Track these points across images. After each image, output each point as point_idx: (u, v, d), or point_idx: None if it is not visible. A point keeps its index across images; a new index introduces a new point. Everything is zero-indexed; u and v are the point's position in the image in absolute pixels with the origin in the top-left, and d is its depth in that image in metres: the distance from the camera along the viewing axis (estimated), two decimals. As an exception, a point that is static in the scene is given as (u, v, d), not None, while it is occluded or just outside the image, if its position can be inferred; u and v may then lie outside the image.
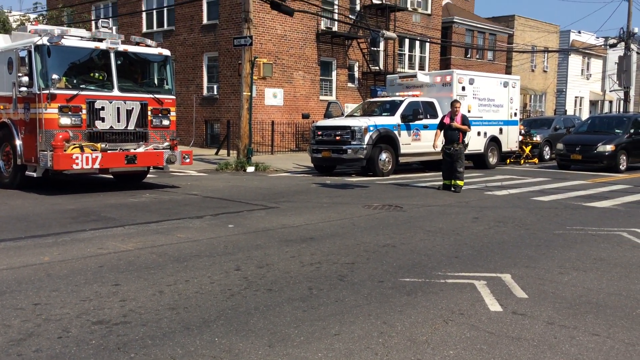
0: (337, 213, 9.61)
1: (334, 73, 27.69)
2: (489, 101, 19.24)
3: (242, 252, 6.76)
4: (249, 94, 18.27)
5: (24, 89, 11.21)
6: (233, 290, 5.32)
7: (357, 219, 9.11)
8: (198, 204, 10.62)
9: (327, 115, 18.08)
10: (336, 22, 26.96)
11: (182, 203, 10.66)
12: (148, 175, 14.12)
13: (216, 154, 22.50)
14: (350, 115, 17.72)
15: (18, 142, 11.71)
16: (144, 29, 27.69)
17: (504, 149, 20.11)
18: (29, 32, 12.14)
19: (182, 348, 4.02)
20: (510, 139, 20.39)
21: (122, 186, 13.21)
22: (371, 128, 15.89)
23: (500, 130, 19.85)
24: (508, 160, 21.37)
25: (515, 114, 20.53)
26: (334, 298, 5.13)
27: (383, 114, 17.10)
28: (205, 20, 25.87)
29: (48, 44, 11.12)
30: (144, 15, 28.18)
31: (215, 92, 25.55)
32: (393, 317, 4.67)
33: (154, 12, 27.92)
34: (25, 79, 11.14)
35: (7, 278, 5.59)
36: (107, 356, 3.87)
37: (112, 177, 13.97)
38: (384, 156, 16.14)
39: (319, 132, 16.60)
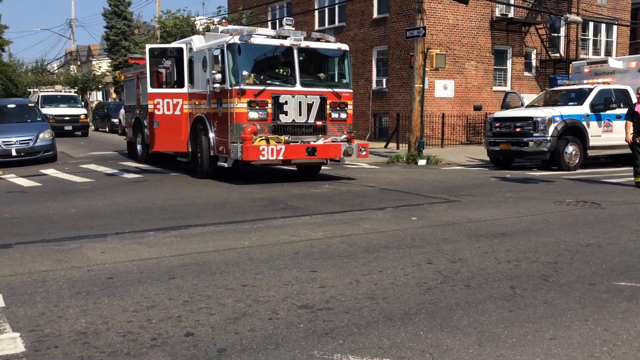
0: (526, 208, 9.05)
1: (508, 62, 26.35)
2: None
3: (431, 246, 6.60)
4: (421, 86, 17.99)
5: (217, 85, 11.99)
6: (429, 284, 5.18)
7: (549, 215, 8.49)
8: (377, 195, 10.64)
9: (505, 106, 17.20)
10: (512, 8, 25.59)
11: (361, 194, 10.76)
12: (322, 167, 14.48)
13: (385, 147, 22.53)
14: (531, 106, 16.69)
15: (211, 135, 12.62)
16: (316, 27, 28.53)
17: None
18: (220, 32, 13.01)
19: (388, 339, 3.96)
20: None
21: (301, 177, 13.71)
22: (556, 118, 14.82)
23: None
24: None
25: None
26: (541, 299, 4.77)
27: (569, 103, 15.87)
28: (375, 15, 25.99)
29: (239, 42, 11.81)
30: (316, 13, 29.04)
31: (384, 86, 25.58)
32: (614, 324, 4.21)
33: (326, 9, 28.66)
34: (219, 75, 11.91)
35: (215, 259, 5.99)
36: (316, 340, 3.94)
37: (294, 168, 14.51)
38: (570, 149, 14.97)
39: (497, 124, 15.84)
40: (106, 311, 4.47)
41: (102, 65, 58.73)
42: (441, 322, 4.28)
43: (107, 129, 32.84)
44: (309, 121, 12.32)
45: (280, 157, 11.81)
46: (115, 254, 6.25)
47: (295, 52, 12.28)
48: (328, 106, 12.54)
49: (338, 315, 4.41)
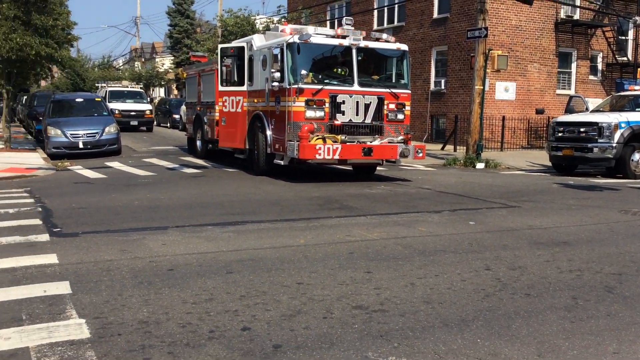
0: (590, 217, 8.75)
1: (573, 65, 25.52)
2: None
3: (489, 252, 6.47)
4: (481, 87, 17.67)
5: (275, 83, 12.08)
6: (487, 290, 5.09)
7: (614, 224, 8.19)
8: (433, 198, 10.53)
9: (569, 110, 16.68)
10: (578, 10, 24.77)
11: (416, 196, 10.66)
12: (378, 168, 14.41)
13: (442, 149, 22.24)
14: (596, 111, 16.11)
15: (268, 133, 12.75)
16: (375, 26, 28.42)
17: None
18: (280, 31, 13.14)
19: (444, 344, 3.92)
20: None
21: (356, 177, 13.70)
22: (622, 125, 14.27)
23: None
24: None
25: None
26: (605, 312, 4.61)
27: (636, 109, 15.25)
28: (435, 14, 25.67)
29: (298, 41, 11.89)
30: (375, 12, 28.94)
31: (443, 87, 25.24)
32: (684, 342, 4.03)
33: (385, 9, 28.51)
34: (277, 74, 11.99)
35: (271, 256, 6.07)
36: (371, 342, 3.94)
37: (350, 168, 14.50)
38: (637, 156, 14.40)
39: (560, 128, 15.39)
40: (167, 302, 4.60)
41: (164, 62, 60.42)
42: (499, 330, 4.20)
43: (168, 125, 33.72)
44: (365, 121, 12.24)
45: (337, 157, 11.83)
46: (176, 246, 6.42)
47: (354, 51, 12.24)
48: (385, 107, 12.41)
49: (393, 317, 4.39)
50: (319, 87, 11.85)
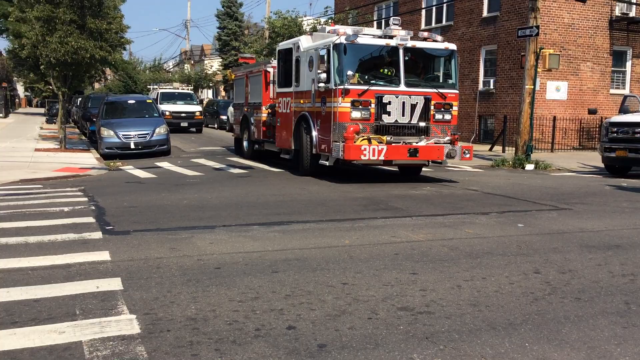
0: (644, 220, 8.46)
1: (628, 64, 24.67)
2: None
3: (539, 255, 6.33)
4: (532, 87, 17.28)
5: (322, 84, 12.12)
6: (536, 294, 4.98)
7: (671, 228, 7.90)
8: (480, 200, 10.36)
9: (623, 111, 16.12)
10: (634, 7, 23.92)
11: (463, 198, 10.52)
12: (423, 169, 14.27)
13: (490, 149, 21.86)
14: (653, 110, 15.54)
15: (314, 133, 12.80)
16: (423, 26, 28.17)
17: None
18: (327, 32, 13.18)
19: (491, 348, 3.86)
20: None
21: (401, 178, 13.61)
22: (680, 125, 13.72)
23: None
24: None
25: None
26: (660, 318, 4.45)
27: (695, 108, 14.63)
28: (485, 13, 25.25)
29: (345, 42, 11.89)
30: (423, 12, 28.68)
31: (492, 87, 24.79)
32: None
33: (433, 8, 28.22)
34: (324, 75, 12.01)
35: (316, 256, 6.10)
36: (416, 344, 3.91)
37: (395, 168, 14.43)
38: (695, 158, 13.81)
39: (614, 129, 14.90)
40: (214, 299, 4.69)
41: (213, 64, 61.43)
42: (548, 334, 4.11)
43: (215, 126, 34.28)
44: (412, 122, 12.16)
45: (382, 158, 11.77)
46: (223, 245, 6.53)
47: (400, 51, 12.18)
48: (432, 107, 12.30)
49: (439, 320, 4.35)
50: (365, 87, 11.83)
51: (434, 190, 11.43)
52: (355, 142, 11.55)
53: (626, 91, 23.66)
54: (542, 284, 5.26)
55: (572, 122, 23.21)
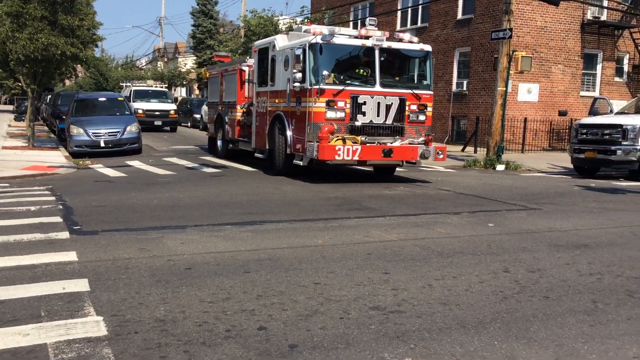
0: (611, 220, 8.62)
1: (598, 66, 25.14)
2: None
3: (508, 254, 6.40)
4: (504, 89, 17.49)
5: (297, 84, 12.04)
6: (505, 293, 5.03)
7: (637, 228, 8.05)
8: (452, 200, 10.45)
9: (593, 113, 16.42)
10: (605, 11, 24.40)
11: (436, 198, 10.59)
12: (397, 169, 14.34)
13: (462, 150, 22.08)
14: (621, 113, 15.84)
15: (289, 133, 12.73)
16: (398, 27, 28.29)
17: None
18: (304, 31, 13.14)
19: (461, 346, 3.88)
20: None
21: (375, 178, 13.65)
22: (647, 127, 14.01)
23: None
24: None
25: None
26: (625, 316, 4.53)
27: (663, 111, 14.97)
28: (459, 15, 25.47)
29: (321, 42, 11.83)
30: (398, 13, 28.82)
31: (465, 88, 25.04)
32: None
33: (409, 9, 28.38)
34: (299, 74, 11.93)
35: (288, 256, 6.08)
36: (387, 343, 3.92)
37: (370, 169, 14.43)
38: (662, 160, 14.13)
39: (583, 131, 15.17)
40: (184, 300, 4.63)
41: (187, 62, 60.91)
42: (517, 332, 4.15)
43: (189, 124, 33.93)
44: (386, 122, 12.16)
45: (356, 158, 11.75)
46: (194, 245, 6.46)
47: (376, 52, 12.16)
48: (407, 108, 12.31)
49: (410, 319, 4.36)
50: (341, 87, 11.79)
51: (407, 190, 11.49)
52: (329, 142, 11.54)
53: (596, 93, 24.11)
54: (512, 283, 5.31)
55: (542, 123, 23.57)
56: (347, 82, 11.99)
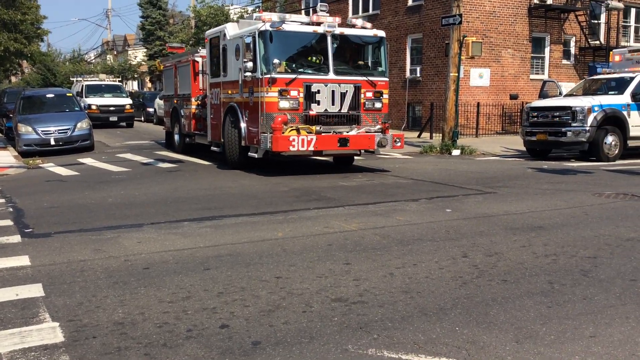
0: (564, 201, 8.85)
1: (546, 50, 25.74)
2: None
3: (466, 239, 6.50)
4: (456, 74, 17.72)
5: (248, 74, 11.72)
6: (464, 278, 5.11)
7: (588, 207, 8.29)
8: (410, 187, 10.55)
9: (543, 95, 16.83)
10: (551, -5, 24.97)
11: (394, 185, 10.68)
12: (355, 158, 14.36)
13: (419, 136, 22.32)
14: (570, 95, 16.27)
15: (242, 125, 12.42)
16: (350, 15, 28.28)
17: None
18: (255, 19, 12.73)
19: (423, 334, 3.92)
20: None
21: (333, 168, 13.66)
22: (595, 108, 14.43)
23: None
24: None
25: None
26: (581, 295, 4.66)
27: (609, 92, 15.44)
28: (410, 2, 25.64)
29: (271, 29, 11.57)
30: (349, 1, 28.82)
31: (418, 75, 25.29)
32: (658, 323, 4.09)
33: (360, -4, 28.41)
34: (250, 64, 11.63)
35: (249, 251, 6.02)
36: (350, 334, 3.92)
37: (330, 159, 14.38)
38: (609, 139, 14.58)
39: (534, 113, 15.52)
40: (143, 302, 4.53)
41: (137, 55, 59.61)
42: (477, 317, 4.22)
43: (142, 118, 33.24)
44: (342, 111, 11.99)
45: (311, 148, 11.56)
46: (152, 244, 6.34)
47: (329, 39, 11.95)
48: (362, 95, 12.16)
49: (372, 309, 4.38)
50: (293, 76, 11.56)
51: (365, 179, 11.54)
52: (283, 132, 11.33)
53: (545, 76, 24.70)
54: (470, 268, 5.40)
55: (495, 107, 24.02)
56: (299, 70, 11.78)
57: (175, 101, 17.27)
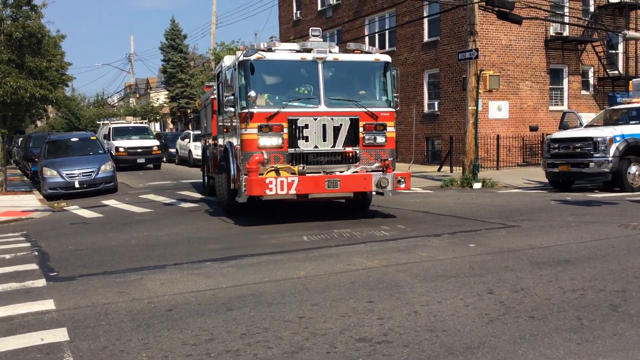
0: (590, 233, 8.70)
1: (565, 81, 25.70)
2: None
3: (491, 274, 6.41)
4: (475, 108, 17.72)
5: (230, 109, 10.53)
6: (491, 315, 5.02)
7: (614, 240, 8.13)
8: (432, 221, 10.47)
9: (563, 127, 16.71)
10: (567, 26, 25.05)
11: (415, 221, 10.60)
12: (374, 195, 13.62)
13: (438, 170, 22.25)
14: (590, 125, 16.15)
15: (232, 166, 10.99)
16: (367, 52, 28.62)
17: None
18: (239, 49, 11.01)
19: (450, 375, 3.84)
20: None
21: (350, 204, 13.24)
22: (617, 138, 14.28)
23: None
24: None
25: None
26: (611, 331, 4.54)
27: (630, 122, 15.27)
28: (426, 38, 25.92)
29: (251, 59, 10.20)
30: (366, 39, 29.18)
31: (436, 109, 25.37)
32: (694, 360, 3.96)
33: (376, 35, 28.77)
34: (231, 98, 10.51)
35: (271, 290, 6.00)
36: (375, 376, 3.86)
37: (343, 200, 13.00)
38: (633, 169, 14.37)
39: (555, 145, 15.40)
40: (166, 345, 4.52)
41: (159, 97, 60.75)
42: (505, 356, 4.13)
43: (164, 159, 33.51)
44: (335, 147, 10.36)
45: (292, 192, 9.92)
46: (174, 285, 6.35)
47: (319, 66, 10.41)
48: (361, 129, 10.52)
49: (397, 348, 4.32)
50: (274, 110, 10.08)
51: (385, 215, 11.47)
52: (261, 174, 9.88)
53: (564, 107, 24.59)
54: (496, 304, 5.30)
55: (515, 139, 23.91)
56: (283, 102, 10.27)
57: (204, 141, 16.95)
